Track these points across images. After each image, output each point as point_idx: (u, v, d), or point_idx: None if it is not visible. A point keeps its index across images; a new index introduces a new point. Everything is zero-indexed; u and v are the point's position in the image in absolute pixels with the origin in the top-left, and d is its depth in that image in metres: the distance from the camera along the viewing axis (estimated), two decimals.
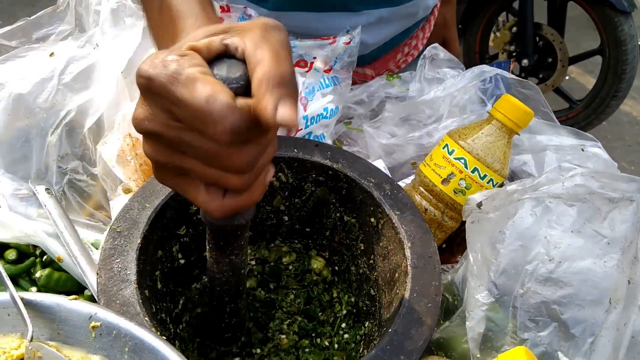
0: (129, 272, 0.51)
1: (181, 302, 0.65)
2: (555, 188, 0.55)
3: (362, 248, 0.66)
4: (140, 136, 0.68)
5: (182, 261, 0.63)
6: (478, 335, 0.53)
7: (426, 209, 0.70)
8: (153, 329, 0.47)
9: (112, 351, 0.43)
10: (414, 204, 0.61)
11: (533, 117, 0.67)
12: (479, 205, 0.61)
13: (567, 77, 2.60)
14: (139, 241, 0.53)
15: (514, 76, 0.77)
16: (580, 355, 0.50)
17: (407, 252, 0.56)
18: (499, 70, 0.77)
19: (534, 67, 2.40)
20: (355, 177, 0.63)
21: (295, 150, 0.65)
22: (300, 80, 0.76)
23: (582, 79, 3.01)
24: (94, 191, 0.68)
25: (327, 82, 0.78)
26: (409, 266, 0.55)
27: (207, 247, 0.49)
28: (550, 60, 2.42)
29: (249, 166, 0.38)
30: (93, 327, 0.43)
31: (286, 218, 0.70)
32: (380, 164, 0.77)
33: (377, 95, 0.85)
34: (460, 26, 2.47)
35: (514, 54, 2.33)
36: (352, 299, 0.69)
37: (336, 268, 0.71)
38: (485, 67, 0.78)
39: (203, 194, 0.40)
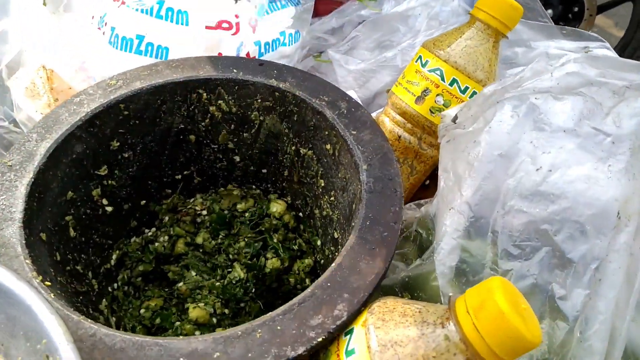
0: (14, 210, 0.42)
1: (114, 256, 0.56)
2: (543, 81, 0.43)
3: (323, 185, 0.55)
4: (55, 68, 0.60)
5: (108, 208, 0.54)
6: (449, 270, 0.42)
7: (399, 136, 0.59)
8: (34, 274, 0.38)
9: None
10: (375, 122, 0.50)
11: (522, 13, 0.55)
12: (454, 119, 0.50)
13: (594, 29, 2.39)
14: (31, 175, 0.44)
15: None
16: (581, 287, 0.39)
17: (363, 176, 0.46)
18: None
19: (558, 18, 2.21)
20: (305, 96, 0.52)
21: (235, 70, 0.55)
22: None
23: (610, 30, 2.79)
24: (16, 139, 0.60)
25: (283, 1, 0.67)
26: (363, 191, 0.45)
27: None
28: (576, 9, 2.22)
29: None
30: None
31: (237, 158, 0.60)
32: (353, 96, 0.67)
33: (349, 20, 0.73)
34: None
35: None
36: (318, 243, 0.59)
37: (300, 214, 0.61)
38: None
39: None
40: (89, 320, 0.36)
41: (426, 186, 0.64)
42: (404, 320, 0.35)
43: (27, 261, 0.39)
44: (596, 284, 0.39)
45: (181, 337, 0.36)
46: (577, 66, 0.43)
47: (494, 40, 0.56)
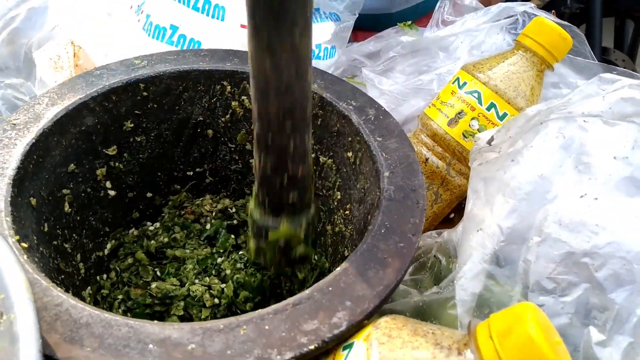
0: (6, 167, 0.39)
1: (108, 246, 0.52)
2: (593, 105, 0.39)
3: (339, 198, 0.51)
4: (84, 47, 0.59)
5: (111, 193, 0.51)
6: (471, 297, 0.37)
7: (427, 159, 0.55)
8: (11, 232, 0.34)
9: None
10: (403, 132, 0.46)
11: (571, 45, 0.52)
12: (490, 141, 0.46)
13: None
14: (33, 136, 0.41)
15: (550, 16, 0.62)
16: (624, 333, 0.33)
17: (383, 183, 0.42)
18: (530, 6, 0.62)
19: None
20: (332, 99, 0.49)
21: None
22: None
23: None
24: None
25: (322, 15, 0.66)
26: (382, 199, 0.40)
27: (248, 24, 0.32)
28: None
29: None
30: None
31: (252, 161, 0.57)
32: None
33: (387, 45, 0.71)
34: None
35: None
36: (327, 265, 0.54)
37: None
38: (511, 4, 0.63)
39: None
40: (58, 288, 0.32)
41: (450, 220, 0.60)
42: (413, 339, 0.30)
43: (7, 218, 0.35)
44: None
45: (156, 321, 0.31)
46: (633, 92, 0.39)
47: (538, 69, 0.53)
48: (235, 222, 0.58)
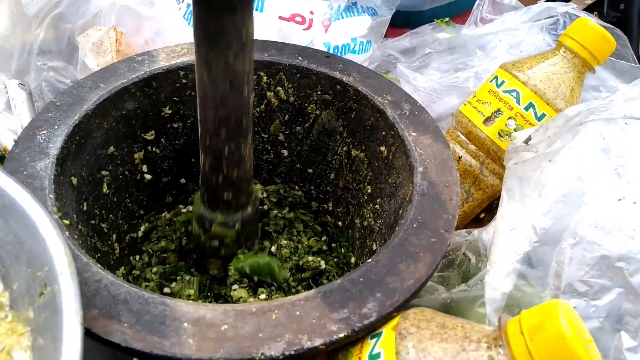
0: (51, 146, 0.40)
1: (142, 228, 0.53)
2: (635, 106, 0.39)
3: (369, 192, 0.52)
4: (125, 31, 0.60)
5: (147, 177, 0.52)
6: (501, 297, 0.37)
7: (460, 157, 0.55)
8: (54, 209, 0.36)
9: None
10: (438, 128, 0.46)
11: (614, 48, 0.51)
12: (527, 140, 0.45)
13: None
14: (76, 118, 0.43)
15: (593, 17, 0.61)
16: None
17: (417, 178, 0.42)
18: (572, 7, 0.61)
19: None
20: (367, 92, 0.49)
21: (300, 58, 0.53)
22: None
23: None
24: None
25: (360, 9, 0.66)
26: (415, 194, 0.40)
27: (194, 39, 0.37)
28: None
29: None
30: None
31: (285, 153, 0.58)
32: None
33: (423, 41, 0.71)
34: None
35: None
36: (352, 260, 0.54)
37: (339, 223, 0.57)
38: (552, 4, 0.62)
39: None
40: (98, 265, 0.33)
41: (480, 219, 0.59)
42: (442, 331, 0.30)
43: (51, 195, 0.37)
44: None
45: (191, 301, 0.32)
46: None
47: (579, 71, 0.52)
48: (265, 207, 0.59)
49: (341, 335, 0.31)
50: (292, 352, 0.29)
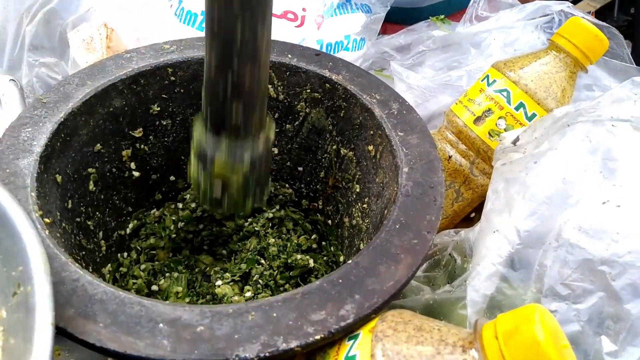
0: (35, 144, 0.40)
1: (130, 225, 0.53)
2: (623, 109, 0.38)
3: (358, 191, 0.51)
4: (117, 30, 0.60)
5: (136, 174, 0.52)
6: (482, 298, 0.36)
7: (450, 157, 0.54)
8: (35, 208, 0.36)
9: None
10: (426, 128, 0.46)
11: (607, 47, 0.50)
12: (515, 141, 0.45)
13: None
14: (62, 115, 0.43)
15: (588, 16, 0.60)
16: (637, 345, 0.33)
17: (402, 178, 0.41)
18: (567, 5, 0.60)
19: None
20: (356, 91, 0.49)
21: (290, 56, 0.52)
22: None
23: None
24: None
25: (354, 6, 0.65)
26: (399, 194, 0.40)
27: None
28: None
29: None
30: None
31: (275, 151, 0.58)
32: None
33: (418, 39, 0.70)
34: None
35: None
36: (341, 259, 0.54)
37: (329, 222, 0.57)
38: (547, 2, 0.61)
39: None
40: (77, 264, 0.33)
41: (470, 219, 0.59)
42: (418, 334, 0.30)
43: (33, 194, 0.37)
44: None
45: (168, 302, 0.32)
46: None
47: (571, 71, 0.51)
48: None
49: (317, 337, 0.30)
50: (267, 354, 0.29)
